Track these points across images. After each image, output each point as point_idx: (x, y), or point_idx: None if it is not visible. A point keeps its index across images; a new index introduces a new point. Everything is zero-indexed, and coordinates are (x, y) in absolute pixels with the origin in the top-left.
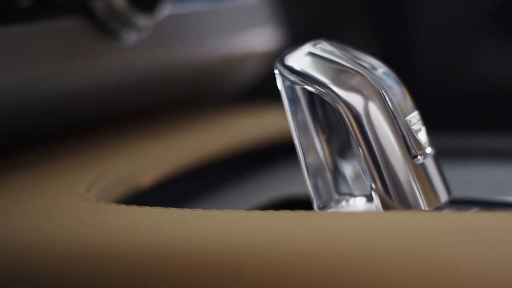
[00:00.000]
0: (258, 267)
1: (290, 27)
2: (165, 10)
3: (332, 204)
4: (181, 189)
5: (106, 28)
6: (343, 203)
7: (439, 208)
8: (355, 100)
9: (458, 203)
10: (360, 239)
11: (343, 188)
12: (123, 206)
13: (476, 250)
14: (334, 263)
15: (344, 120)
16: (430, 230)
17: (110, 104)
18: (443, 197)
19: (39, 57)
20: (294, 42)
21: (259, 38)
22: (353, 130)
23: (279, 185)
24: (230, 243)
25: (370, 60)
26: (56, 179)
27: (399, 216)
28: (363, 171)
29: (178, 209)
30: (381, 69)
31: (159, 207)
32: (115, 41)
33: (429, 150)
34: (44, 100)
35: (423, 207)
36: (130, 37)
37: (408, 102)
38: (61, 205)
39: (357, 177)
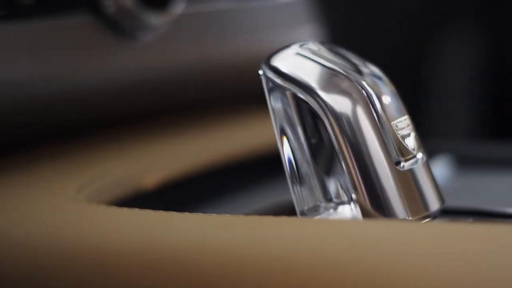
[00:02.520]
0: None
1: (329, 26)
2: (178, 9)
3: (321, 210)
4: (182, 192)
5: (116, 26)
6: (331, 210)
7: (428, 217)
8: (338, 104)
9: (455, 213)
10: (315, 247)
11: (331, 195)
12: (104, 207)
13: (441, 261)
14: (286, 270)
15: (325, 123)
16: (396, 239)
17: (118, 104)
18: (433, 206)
19: (43, 55)
20: (333, 42)
21: (296, 38)
22: (334, 133)
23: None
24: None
25: (360, 62)
26: (50, 179)
27: (370, 225)
28: (340, 179)
29: (154, 211)
30: (371, 71)
31: (136, 209)
32: (126, 39)
33: (419, 155)
34: (50, 99)
35: (406, 216)
36: (142, 36)
37: (398, 106)
38: (46, 205)
39: (345, 184)
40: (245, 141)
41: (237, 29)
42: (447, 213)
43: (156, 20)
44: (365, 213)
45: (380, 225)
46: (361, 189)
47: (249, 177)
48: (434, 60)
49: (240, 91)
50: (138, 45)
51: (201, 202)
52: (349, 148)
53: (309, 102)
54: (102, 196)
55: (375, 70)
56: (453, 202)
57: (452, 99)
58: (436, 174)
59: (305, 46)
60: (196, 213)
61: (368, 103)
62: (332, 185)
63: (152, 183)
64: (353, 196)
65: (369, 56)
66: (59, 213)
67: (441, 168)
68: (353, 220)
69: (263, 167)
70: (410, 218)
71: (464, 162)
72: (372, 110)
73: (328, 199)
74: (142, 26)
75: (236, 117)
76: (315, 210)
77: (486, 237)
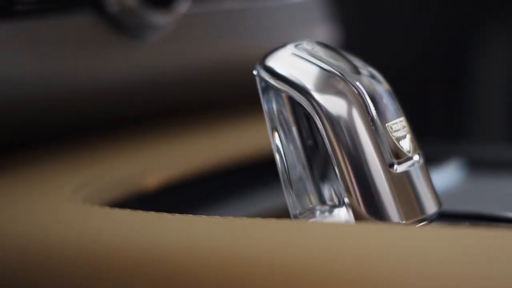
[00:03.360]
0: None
1: (345, 25)
2: (183, 8)
3: (316, 213)
4: (182, 194)
5: (119, 25)
6: (326, 213)
7: (424, 221)
8: (332, 105)
9: (453, 217)
10: (294, 249)
11: (326, 198)
12: (96, 208)
13: (428, 265)
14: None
15: (317, 124)
16: (384, 243)
17: (120, 104)
18: (430, 209)
19: (44, 54)
20: (349, 42)
21: (311, 37)
22: (327, 134)
23: None
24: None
25: (356, 62)
26: (47, 179)
27: (359, 228)
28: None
29: (144, 212)
30: (367, 72)
31: (127, 210)
32: (129, 38)
33: (416, 158)
34: (51, 98)
35: (399, 220)
36: (146, 35)
37: (394, 107)
38: (40, 205)
39: (338, 187)
40: (250, 143)
41: (245, 29)
42: (445, 216)
43: (160, 19)
44: (358, 217)
45: (369, 228)
46: (354, 192)
47: (251, 179)
48: (473, 60)
49: (247, 92)
50: (142, 45)
51: (202, 204)
52: (342, 150)
53: (302, 103)
54: (99, 197)
55: (372, 70)
56: (464, 205)
57: (492, 100)
58: (449, 177)
59: (300, 46)
60: (186, 215)
61: (361, 105)
62: (327, 188)
63: (150, 185)
64: (346, 199)
65: (399, 57)
66: (51, 213)
67: (454, 171)
68: (341, 223)
69: (267, 170)
70: (404, 221)
71: (478, 165)
72: (366, 111)
73: (323, 202)
74: (146, 26)
75: (242, 118)
76: (310, 213)
77: (478, 242)
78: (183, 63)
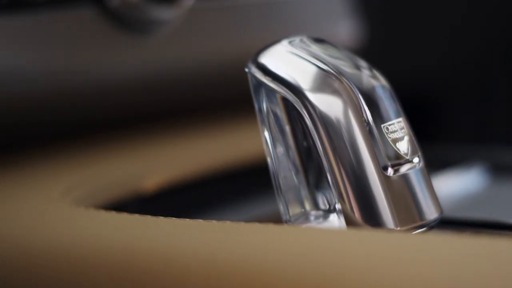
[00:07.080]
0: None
1: (369, 22)
2: (189, 2)
3: (311, 218)
4: (181, 197)
5: (120, 20)
6: (320, 219)
7: (422, 227)
8: (325, 105)
9: (455, 224)
10: (265, 254)
11: (320, 203)
12: (82, 209)
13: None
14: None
15: (307, 123)
16: (363, 250)
17: (120, 103)
18: (429, 215)
19: (40, 51)
20: (373, 39)
21: (334, 34)
22: (319, 136)
23: None
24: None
25: (353, 60)
26: (38, 180)
27: (342, 235)
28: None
29: (129, 214)
30: (365, 70)
31: (113, 212)
32: (130, 34)
33: (415, 160)
34: (48, 96)
35: (394, 226)
36: (148, 31)
37: (392, 107)
38: (27, 206)
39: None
40: (254, 145)
41: (257, 25)
42: (448, 223)
43: (164, 14)
44: (350, 223)
45: (358, 235)
46: (347, 197)
47: (251, 182)
48: None
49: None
50: (145, 41)
51: (199, 207)
52: (333, 152)
53: (294, 103)
54: (88, 199)
55: (370, 69)
56: (484, 212)
57: None
58: (471, 182)
59: (295, 42)
60: (171, 218)
61: (356, 105)
62: (321, 193)
63: (142, 187)
64: (338, 205)
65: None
66: (35, 214)
67: (477, 176)
68: (327, 229)
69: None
70: (399, 228)
71: (502, 170)
72: (360, 111)
73: (317, 207)
74: (149, 21)
75: (248, 118)
76: (304, 218)
77: (475, 250)
78: (188, 61)
